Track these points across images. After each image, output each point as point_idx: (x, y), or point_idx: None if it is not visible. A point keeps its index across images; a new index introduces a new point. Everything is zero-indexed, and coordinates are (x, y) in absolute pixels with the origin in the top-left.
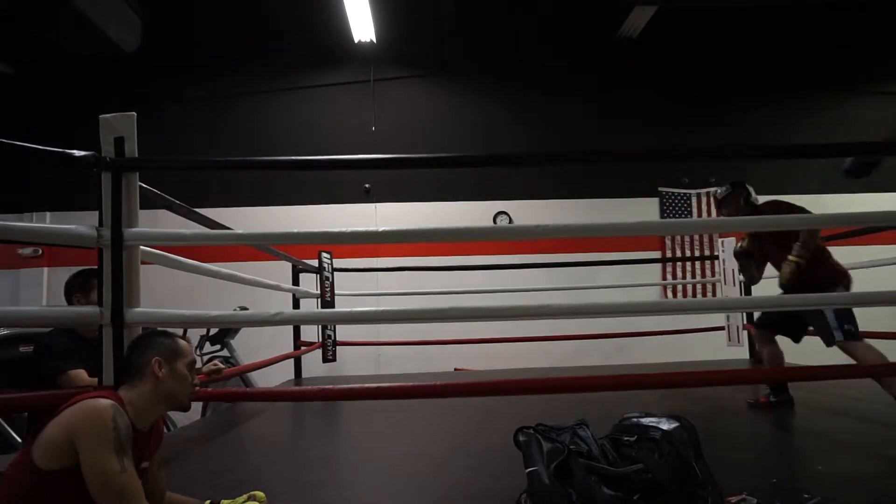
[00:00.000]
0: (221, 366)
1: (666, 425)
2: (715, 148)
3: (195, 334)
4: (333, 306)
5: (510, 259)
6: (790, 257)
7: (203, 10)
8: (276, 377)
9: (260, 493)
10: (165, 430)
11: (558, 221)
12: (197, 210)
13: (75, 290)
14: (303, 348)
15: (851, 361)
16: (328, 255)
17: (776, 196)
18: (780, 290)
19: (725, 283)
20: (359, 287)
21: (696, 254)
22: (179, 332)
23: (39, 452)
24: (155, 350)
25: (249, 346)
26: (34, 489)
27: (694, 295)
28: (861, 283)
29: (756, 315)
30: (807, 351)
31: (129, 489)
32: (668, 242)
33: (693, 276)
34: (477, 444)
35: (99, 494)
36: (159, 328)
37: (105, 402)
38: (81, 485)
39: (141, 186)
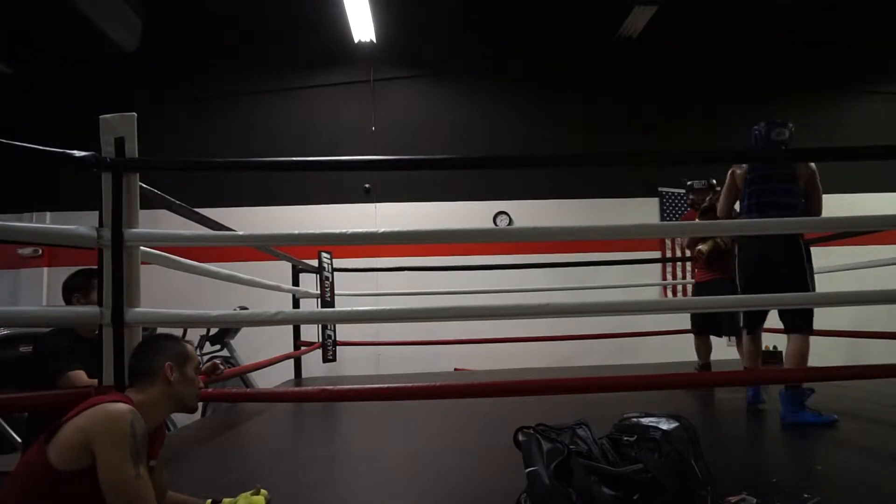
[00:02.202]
0: (221, 366)
1: (666, 425)
2: (714, 152)
3: (195, 334)
4: (333, 306)
5: (510, 259)
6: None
7: (203, 11)
8: (276, 377)
9: (263, 491)
10: (166, 430)
11: (558, 221)
12: (197, 210)
13: (75, 289)
14: (303, 348)
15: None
16: (328, 255)
17: None
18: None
19: None
20: (359, 287)
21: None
22: (179, 332)
23: (56, 453)
24: (166, 355)
25: (249, 346)
26: (50, 489)
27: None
28: (862, 282)
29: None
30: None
31: (142, 496)
32: (668, 242)
33: (693, 276)
34: (477, 444)
35: (113, 499)
36: (163, 332)
37: (124, 406)
38: (97, 486)
39: (141, 187)
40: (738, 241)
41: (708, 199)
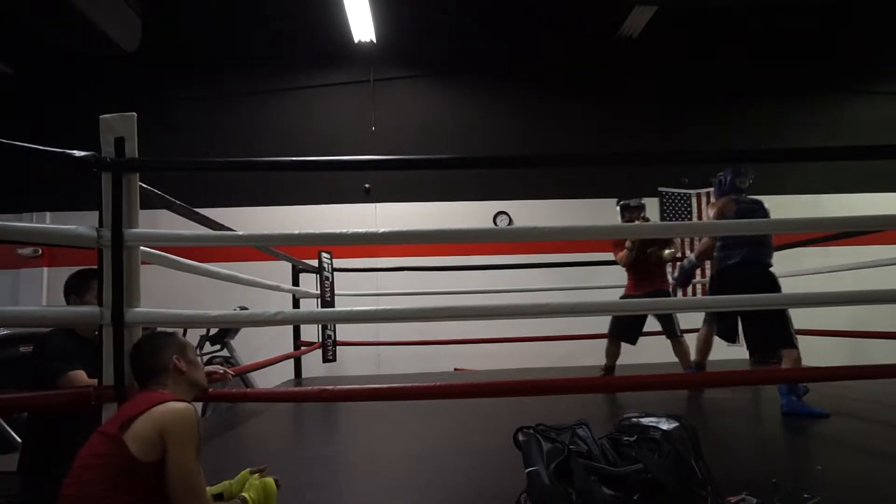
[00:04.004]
0: (221, 369)
1: (666, 425)
2: (714, 152)
3: (195, 334)
4: (333, 306)
5: (510, 259)
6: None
7: (203, 11)
8: (276, 377)
9: (269, 480)
10: None
11: (558, 221)
12: (197, 210)
13: (71, 290)
14: (303, 348)
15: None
16: (328, 255)
17: (775, 196)
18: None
19: None
20: (359, 287)
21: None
22: (179, 332)
23: (135, 445)
24: (169, 349)
25: (249, 346)
26: (134, 477)
27: (694, 294)
28: (862, 282)
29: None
30: (806, 351)
31: (204, 490)
32: None
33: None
34: (477, 444)
35: (179, 490)
36: (157, 330)
37: (190, 406)
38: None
39: (141, 187)
40: (717, 270)
41: (642, 216)
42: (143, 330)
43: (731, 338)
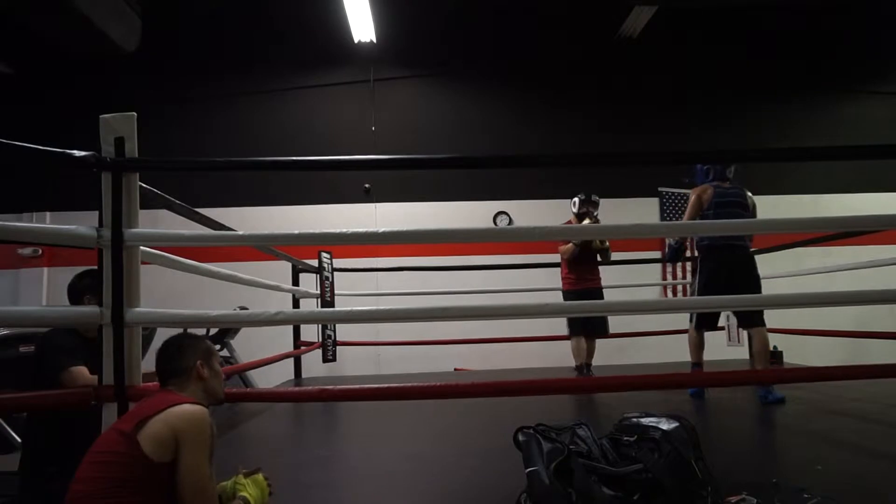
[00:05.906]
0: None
1: (666, 425)
2: (714, 152)
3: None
4: (333, 306)
5: (510, 259)
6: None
7: (203, 10)
8: (276, 377)
9: (258, 476)
10: None
11: (558, 221)
12: (197, 210)
13: (87, 290)
14: (303, 348)
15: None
16: (328, 255)
17: (775, 196)
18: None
19: None
20: (359, 287)
21: (697, 254)
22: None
23: (149, 446)
24: (195, 353)
25: (249, 346)
26: (144, 477)
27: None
28: (862, 282)
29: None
30: (806, 351)
31: (214, 493)
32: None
33: (693, 276)
34: (477, 444)
35: (190, 492)
36: (187, 332)
37: (204, 409)
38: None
39: (141, 186)
40: (702, 252)
41: (595, 215)
42: (143, 330)
43: (713, 325)
